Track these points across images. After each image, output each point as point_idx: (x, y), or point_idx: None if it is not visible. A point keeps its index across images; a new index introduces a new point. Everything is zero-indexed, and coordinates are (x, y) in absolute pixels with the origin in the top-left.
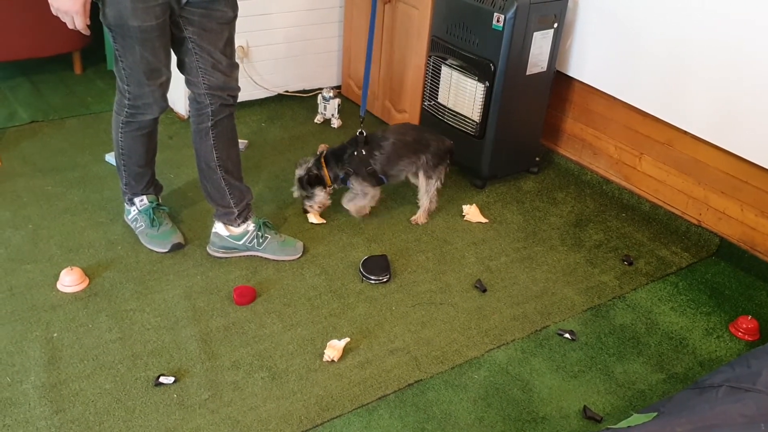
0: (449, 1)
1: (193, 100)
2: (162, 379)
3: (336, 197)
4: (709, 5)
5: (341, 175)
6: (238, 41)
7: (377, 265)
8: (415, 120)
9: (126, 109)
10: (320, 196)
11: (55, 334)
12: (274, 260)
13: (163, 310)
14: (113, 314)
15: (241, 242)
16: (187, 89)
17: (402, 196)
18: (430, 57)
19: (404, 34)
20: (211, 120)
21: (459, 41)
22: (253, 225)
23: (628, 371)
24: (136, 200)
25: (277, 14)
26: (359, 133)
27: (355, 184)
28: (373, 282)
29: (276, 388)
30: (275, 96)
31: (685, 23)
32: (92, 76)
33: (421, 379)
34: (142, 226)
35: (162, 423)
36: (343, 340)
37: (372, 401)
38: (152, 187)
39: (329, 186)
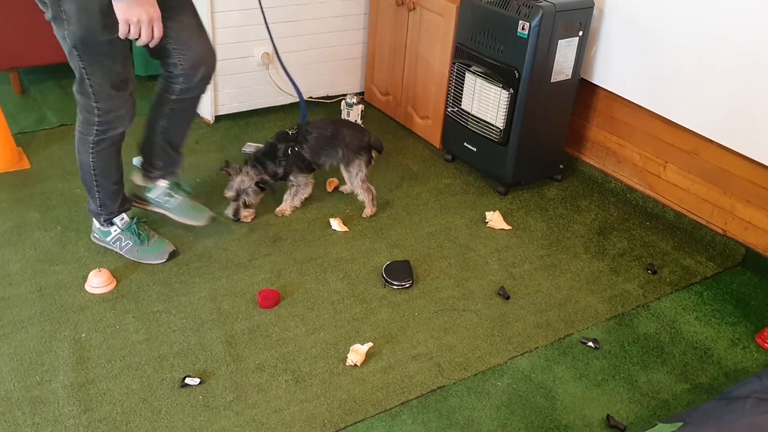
0: (474, 9)
1: (167, 76)
2: (188, 381)
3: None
4: (736, 13)
5: (281, 172)
6: (264, 48)
7: (400, 271)
8: (438, 127)
9: (96, 128)
10: (258, 199)
11: (83, 335)
12: (179, 221)
13: (189, 312)
14: (140, 316)
15: (153, 195)
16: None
17: (424, 203)
18: (454, 64)
19: (428, 41)
20: (177, 95)
21: (483, 48)
22: (166, 183)
23: (652, 380)
24: (116, 220)
25: (303, 21)
26: (289, 130)
27: (297, 178)
28: (395, 287)
29: (300, 391)
30: (299, 102)
31: (710, 31)
32: None
33: (444, 385)
34: (129, 244)
35: (187, 424)
36: (366, 344)
37: (395, 406)
38: (126, 203)
39: (271, 187)
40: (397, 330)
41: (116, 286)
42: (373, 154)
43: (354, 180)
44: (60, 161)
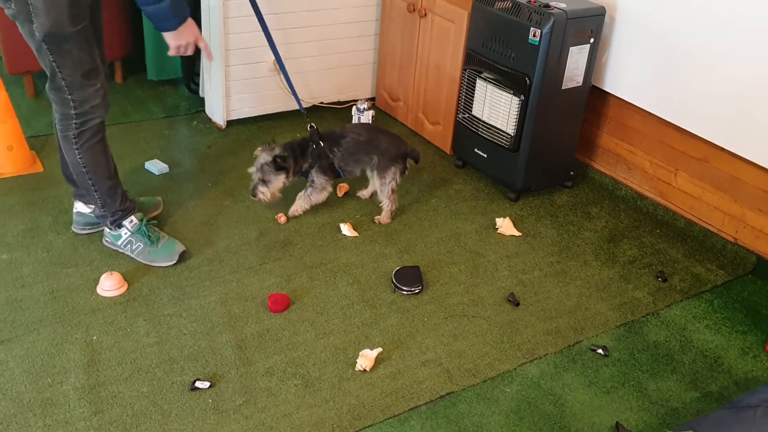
0: (486, 16)
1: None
2: (198, 384)
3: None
4: (748, 21)
5: (305, 167)
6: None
7: (409, 276)
8: (448, 133)
9: (74, 121)
10: (278, 182)
11: (95, 337)
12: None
13: (199, 315)
14: (151, 319)
15: (119, 242)
16: None
17: (434, 208)
18: (465, 70)
19: (440, 48)
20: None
21: (495, 55)
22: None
23: (662, 388)
24: (125, 222)
25: (316, 27)
26: (310, 126)
27: (317, 177)
28: (405, 293)
29: (309, 396)
30: (310, 107)
31: (722, 39)
32: (132, 85)
33: (453, 391)
34: (140, 246)
35: (197, 427)
36: (375, 350)
37: (404, 412)
38: (128, 201)
39: (291, 176)
40: (407, 335)
41: (127, 289)
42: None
43: (385, 188)
44: None
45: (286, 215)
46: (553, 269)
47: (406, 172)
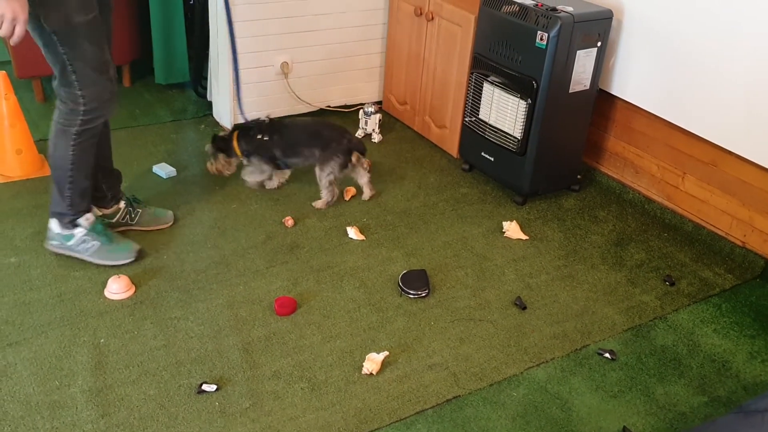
0: (493, 19)
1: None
2: (205, 387)
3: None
4: (755, 24)
5: (245, 151)
6: (283, 58)
7: (416, 280)
8: (455, 136)
9: (81, 117)
10: (219, 161)
11: (102, 340)
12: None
13: (206, 318)
14: (158, 322)
15: (71, 243)
16: None
17: (441, 212)
18: (472, 74)
19: (446, 51)
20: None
21: (501, 58)
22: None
23: (669, 393)
24: (81, 220)
25: (322, 31)
26: (266, 118)
27: (254, 161)
28: (412, 296)
29: (315, 399)
30: (317, 111)
31: (729, 42)
32: (140, 89)
33: (460, 395)
34: (95, 245)
35: (204, 430)
36: (381, 353)
37: (410, 415)
38: (89, 200)
39: (236, 157)
40: (413, 339)
41: (135, 292)
42: (354, 157)
43: (323, 180)
44: None
45: (293, 218)
46: (560, 273)
47: (349, 165)
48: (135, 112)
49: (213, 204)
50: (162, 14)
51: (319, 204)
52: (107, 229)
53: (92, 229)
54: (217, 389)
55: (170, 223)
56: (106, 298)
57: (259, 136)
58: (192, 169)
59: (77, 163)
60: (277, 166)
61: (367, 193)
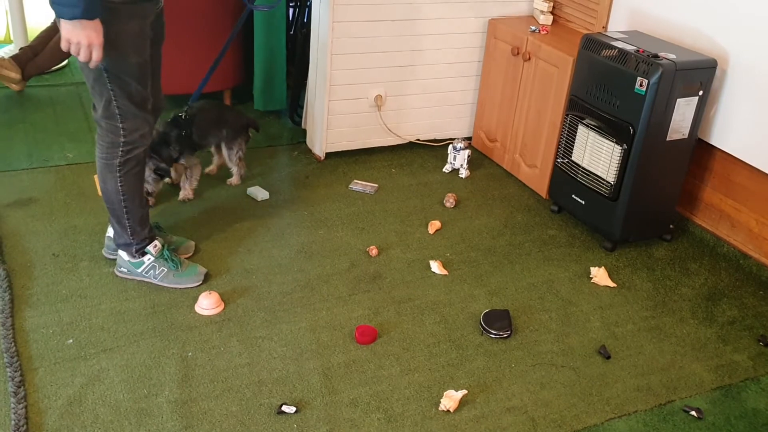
0: (591, 62)
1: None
2: (284, 408)
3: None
4: None
5: (175, 155)
6: (377, 91)
7: (498, 320)
8: (545, 177)
9: (121, 148)
10: (158, 184)
11: (190, 354)
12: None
13: (289, 340)
14: (244, 340)
15: (141, 270)
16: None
17: (527, 252)
18: (567, 115)
19: (542, 92)
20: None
21: (598, 102)
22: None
23: None
24: (149, 248)
25: (418, 66)
26: (181, 115)
27: (189, 159)
28: (493, 336)
29: (391, 431)
30: (406, 144)
31: None
32: None
33: None
34: (163, 271)
35: None
36: (460, 391)
37: None
38: (152, 229)
39: (172, 172)
40: (493, 380)
41: (224, 309)
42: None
43: (233, 156)
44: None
45: (377, 248)
46: (648, 324)
47: (249, 140)
48: None
49: (301, 229)
50: (265, 44)
51: (234, 180)
52: (174, 254)
53: (160, 257)
54: (296, 411)
55: (190, 254)
56: (196, 312)
57: (183, 133)
58: (284, 194)
59: (128, 193)
60: (199, 149)
61: (235, 179)
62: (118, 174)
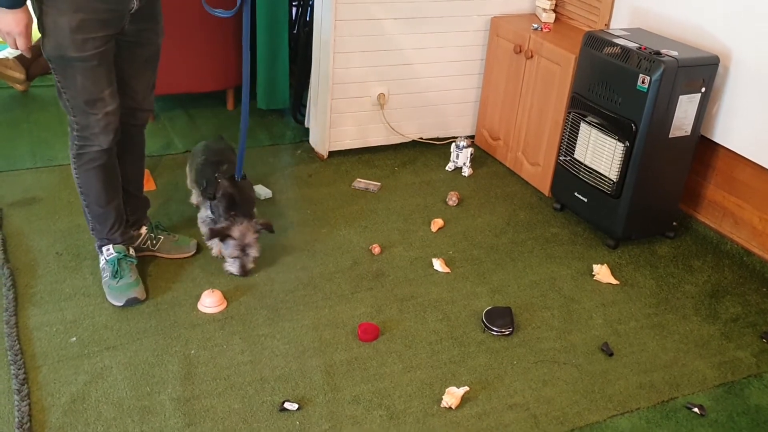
0: (594, 60)
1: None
2: (287, 405)
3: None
4: None
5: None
6: (380, 89)
7: (500, 317)
8: (548, 174)
9: (75, 141)
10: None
11: (193, 351)
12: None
13: (292, 338)
14: (246, 337)
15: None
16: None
17: (529, 250)
18: (569, 113)
19: (544, 89)
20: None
21: (601, 99)
22: (145, 228)
23: None
24: (104, 249)
25: (421, 64)
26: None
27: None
28: (495, 333)
29: (393, 428)
30: (409, 142)
31: None
32: None
33: None
34: (106, 276)
35: None
36: (462, 388)
37: None
38: (119, 231)
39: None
40: (495, 377)
41: (226, 307)
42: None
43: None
44: (183, 186)
45: (380, 246)
46: (650, 321)
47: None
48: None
49: (304, 227)
50: (268, 43)
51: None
52: (122, 264)
53: (109, 261)
54: (298, 408)
55: (192, 253)
56: (199, 311)
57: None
58: (287, 192)
59: (83, 187)
60: None
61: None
62: (74, 166)
